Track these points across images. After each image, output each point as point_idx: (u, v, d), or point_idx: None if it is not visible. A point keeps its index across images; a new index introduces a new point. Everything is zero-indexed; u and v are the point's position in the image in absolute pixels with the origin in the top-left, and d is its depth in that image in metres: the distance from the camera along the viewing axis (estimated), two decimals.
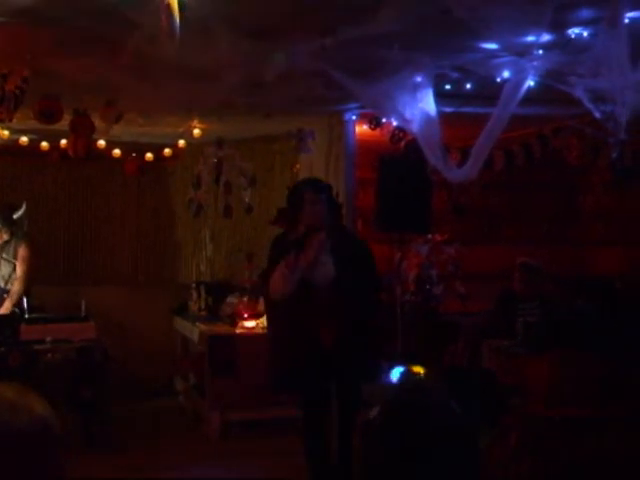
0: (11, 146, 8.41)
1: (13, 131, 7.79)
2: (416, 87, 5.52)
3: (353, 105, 6.96)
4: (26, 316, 7.63)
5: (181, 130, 8.17)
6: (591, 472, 3.98)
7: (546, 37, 4.65)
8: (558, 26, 4.45)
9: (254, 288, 8.20)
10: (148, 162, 9.32)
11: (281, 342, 5.62)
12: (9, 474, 1.76)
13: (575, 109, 5.50)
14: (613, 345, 4.42)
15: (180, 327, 9.38)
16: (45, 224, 9.55)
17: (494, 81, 5.40)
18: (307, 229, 5.40)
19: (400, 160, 7.45)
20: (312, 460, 5.63)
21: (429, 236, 8.27)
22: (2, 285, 8.00)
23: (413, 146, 6.38)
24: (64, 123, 6.44)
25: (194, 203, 8.94)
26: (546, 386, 4.43)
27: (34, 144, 8.46)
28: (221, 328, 8.24)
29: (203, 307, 9.06)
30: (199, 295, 9.18)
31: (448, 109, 6.11)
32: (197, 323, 8.57)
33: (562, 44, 4.73)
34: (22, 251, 8.03)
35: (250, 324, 7.94)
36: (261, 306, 7.74)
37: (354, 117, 7.37)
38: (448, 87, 5.99)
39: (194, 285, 9.41)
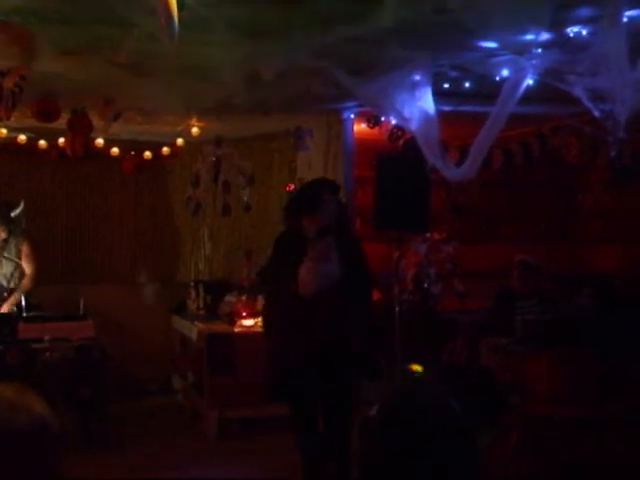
0: (9, 144, 8.41)
1: (11, 129, 7.78)
2: (415, 85, 5.52)
3: (351, 103, 6.95)
4: (24, 314, 7.63)
5: (180, 129, 8.16)
6: (591, 471, 3.98)
7: (545, 36, 4.65)
8: (557, 25, 4.45)
9: (253, 286, 8.20)
10: (146, 161, 9.31)
11: (281, 344, 5.61)
12: (8, 473, 1.76)
13: (574, 108, 5.50)
14: (612, 343, 4.42)
15: (178, 326, 9.38)
16: (43, 223, 9.54)
17: (493, 80, 5.40)
18: (321, 229, 5.45)
19: (398, 159, 7.45)
20: (307, 460, 5.65)
21: (427, 235, 8.27)
22: (5, 284, 8.00)
23: (412, 145, 6.38)
24: (62, 122, 6.44)
25: (193, 202, 8.94)
26: (546, 385, 4.43)
27: (32, 142, 8.45)
28: (219, 327, 8.23)
29: (201, 306, 9.06)
30: (197, 294, 9.17)
31: (447, 108, 6.10)
32: (195, 322, 8.56)
33: (561, 43, 4.72)
34: (26, 249, 8.04)
35: (248, 322, 7.94)
36: (259, 304, 7.74)
37: (352, 115, 7.37)
38: (447, 86, 5.99)
39: (192, 284, 9.40)
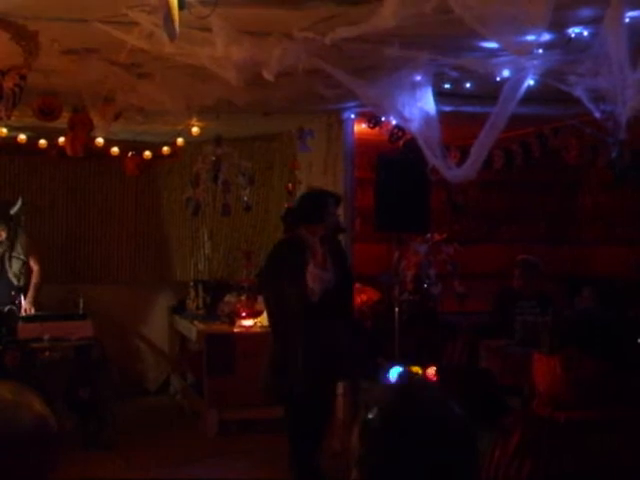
0: (9, 144, 8.40)
1: (11, 129, 7.78)
2: (415, 86, 5.51)
3: (352, 104, 6.94)
4: (23, 314, 7.63)
5: (180, 128, 8.15)
6: (593, 475, 3.97)
7: (546, 36, 4.64)
8: (558, 25, 4.44)
9: (252, 286, 8.20)
10: (146, 160, 9.30)
11: (288, 348, 5.72)
12: (11, 470, 1.76)
13: (575, 108, 5.49)
14: (616, 346, 4.40)
15: (178, 326, 9.38)
16: (43, 222, 9.54)
17: (494, 80, 5.38)
18: (323, 237, 5.69)
19: (399, 159, 7.45)
20: (301, 463, 5.75)
21: (428, 235, 8.27)
22: (15, 282, 8.02)
23: (412, 145, 6.37)
24: (62, 121, 6.43)
25: (192, 201, 8.93)
26: (550, 387, 4.41)
27: (32, 142, 8.45)
28: (219, 327, 8.24)
29: (201, 306, 9.06)
30: (197, 294, 9.18)
31: (447, 108, 6.10)
32: (195, 322, 8.56)
33: (562, 43, 4.71)
34: (29, 245, 8.07)
35: (248, 323, 7.94)
36: (259, 305, 7.74)
37: (353, 116, 7.36)
38: (447, 86, 5.98)
39: (192, 283, 9.41)
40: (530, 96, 5.29)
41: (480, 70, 5.38)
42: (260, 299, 7.50)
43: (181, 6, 3.46)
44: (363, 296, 8.05)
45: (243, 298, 8.33)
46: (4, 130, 7.77)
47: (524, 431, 4.27)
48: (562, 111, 6.39)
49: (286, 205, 7.93)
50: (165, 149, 9.21)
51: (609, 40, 4.10)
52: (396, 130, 7.01)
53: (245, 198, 8.73)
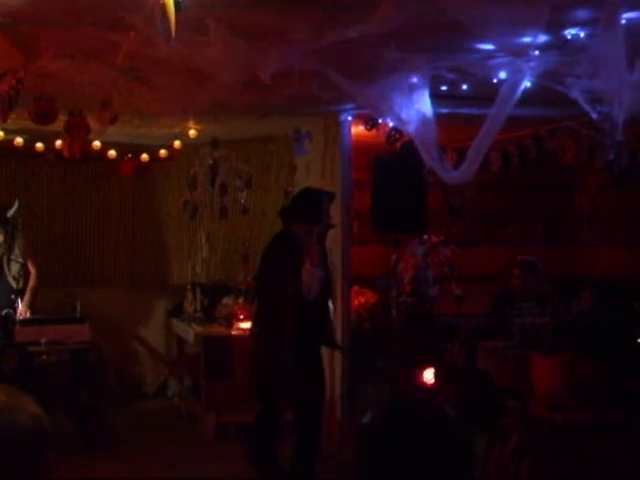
0: (6, 147, 8.39)
1: (8, 132, 7.77)
2: (412, 88, 5.51)
3: (349, 106, 6.94)
4: (21, 317, 7.62)
5: (177, 131, 8.15)
6: (590, 477, 3.97)
7: (543, 38, 4.64)
8: (555, 27, 4.44)
9: (250, 289, 8.19)
10: (144, 163, 9.29)
11: (283, 343, 5.89)
12: (8, 472, 1.76)
13: (571, 110, 5.49)
14: (621, 350, 4.41)
15: (176, 328, 9.37)
16: (40, 225, 9.53)
17: (490, 82, 5.39)
18: (319, 236, 6.03)
19: (396, 161, 7.44)
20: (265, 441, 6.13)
21: (425, 237, 8.27)
22: (14, 285, 8.01)
23: (409, 147, 6.37)
24: (59, 124, 6.42)
25: (190, 204, 8.92)
26: (549, 389, 4.41)
27: (29, 145, 8.44)
28: (216, 329, 8.23)
29: (199, 308, 9.06)
30: (195, 296, 9.17)
31: (444, 110, 6.10)
32: (192, 324, 8.56)
33: (559, 45, 4.72)
34: (27, 248, 8.06)
35: (246, 325, 7.92)
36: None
37: (350, 118, 7.35)
38: (444, 88, 5.98)
39: (190, 286, 9.40)
40: (527, 98, 5.29)
41: (477, 72, 5.39)
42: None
43: (177, 9, 3.45)
44: (361, 298, 8.05)
45: (241, 301, 8.32)
46: (1, 133, 7.77)
47: (522, 433, 4.27)
48: (559, 113, 6.39)
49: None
50: (162, 152, 9.20)
51: (606, 41, 4.10)
52: (393, 132, 7.00)
53: (242, 200, 8.72)
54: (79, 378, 7.31)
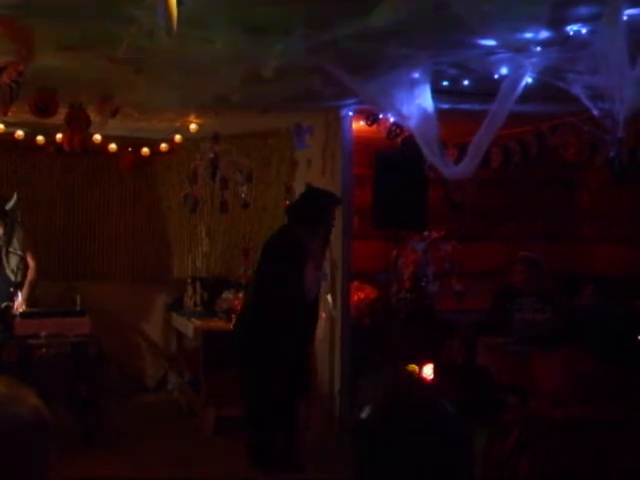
0: (7, 140, 8.38)
1: (8, 125, 7.77)
2: (413, 83, 5.50)
3: (350, 101, 6.93)
4: (21, 309, 7.62)
5: (177, 125, 8.15)
6: (590, 473, 3.97)
7: (544, 34, 4.63)
8: (556, 23, 4.44)
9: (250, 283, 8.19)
10: (144, 157, 9.29)
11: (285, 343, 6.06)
12: (8, 464, 1.77)
13: (573, 106, 5.49)
14: (621, 346, 4.41)
15: (175, 322, 9.37)
16: (41, 218, 9.52)
17: (492, 78, 5.38)
18: (323, 239, 6.30)
19: (397, 156, 7.44)
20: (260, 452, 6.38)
21: (425, 233, 8.27)
22: (12, 278, 8.00)
23: (410, 142, 6.36)
24: (60, 117, 6.42)
25: (190, 198, 8.92)
26: (550, 385, 4.41)
27: (30, 138, 8.43)
28: (216, 324, 8.23)
29: (198, 302, 9.06)
30: (195, 290, 9.17)
31: (445, 105, 6.09)
32: (192, 319, 8.56)
33: (560, 41, 4.71)
34: (26, 241, 8.06)
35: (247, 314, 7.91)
36: None
37: (351, 113, 7.35)
38: (445, 83, 5.97)
39: (190, 280, 9.40)
40: (528, 94, 5.29)
41: (478, 68, 5.38)
42: None
43: (179, 2, 3.45)
44: (361, 294, 8.05)
45: (241, 295, 8.32)
46: (1, 126, 7.76)
47: (522, 429, 4.27)
48: (560, 109, 6.38)
49: (287, 202, 7.95)
50: (163, 146, 9.20)
51: (607, 38, 4.10)
52: (394, 127, 7.00)
53: (243, 195, 8.72)
54: (79, 371, 7.32)
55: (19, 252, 8.03)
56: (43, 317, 7.45)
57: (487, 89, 5.49)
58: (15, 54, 4.95)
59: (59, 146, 7.87)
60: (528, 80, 5.17)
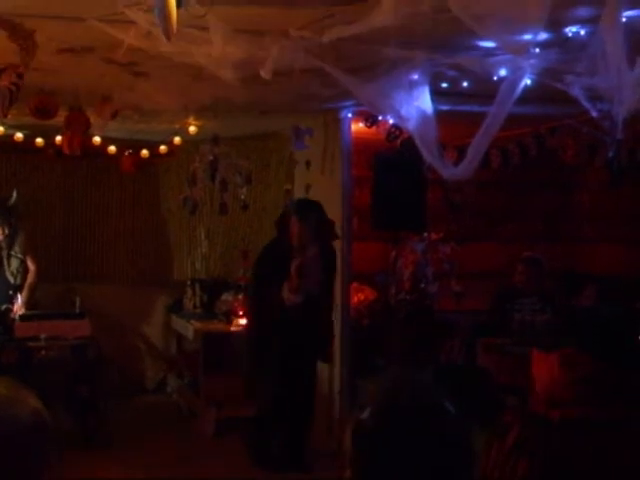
0: (6, 142, 8.38)
1: (8, 127, 7.77)
2: (412, 85, 5.50)
3: (349, 103, 6.94)
4: (20, 312, 7.62)
5: (177, 127, 8.15)
6: (589, 473, 3.97)
7: (543, 35, 4.63)
8: (555, 24, 4.44)
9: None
10: (143, 159, 9.29)
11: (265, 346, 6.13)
12: (8, 466, 1.77)
13: (572, 108, 5.49)
14: (620, 346, 4.41)
15: (175, 324, 9.38)
16: (40, 221, 9.52)
17: (491, 79, 5.38)
18: (294, 248, 6.28)
19: (396, 158, 7.45)
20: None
21: (425, 234, 8.27)
22: (12, 281, 7.99)
23: (409, 144, 6.37)
24: (60, 119, 6.42)
25: (190, 200, 8.93)
26: (548, 385, 4.41)
27: (29, 140, 8.43)
28: (216, 325, 8.24)
29: (198, 304, 9.06)
30: (194, 292, 9.18)
31: (444, 107, 6.09)
32: (192, 320, 8.56)
33: (559, 42, 4.71)
34: (27, 244, 8.05)
35: (245, 321, 7.93)
36: None
37: (350, 115, 7.35)
38: (444, 85, 5.98)
39: (189, 282, 9.40)
40: (527, 95, 5.28)
41: (477, 69, 5.38)
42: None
43: (178, 4, 3.45)
44: (360, 295, 8.06)
45: (240, 297, 8.32)
46: (1, 128, 7.77)
47: (520, 430, 4.27)
48: (559, 110, 6.39)
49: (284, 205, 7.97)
50: (162, 148, 9.20)
51: (606, 39, 4.10)
52: (393, 129, 7.00)
53: (242, 197, 8.73)
54: (79, 373, 7.32)
55: (20, 255, 8.03)
56: (43, 319, 7.46)
57: (486, 91, 5.49)
58: (15, 56, 4.95)
59: (59, 148, 7.87)
60: (527, 82, 5.17)
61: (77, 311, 7.75)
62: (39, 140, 8.52)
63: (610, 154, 6.21)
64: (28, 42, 4.77)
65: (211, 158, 8.40)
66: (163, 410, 8.92)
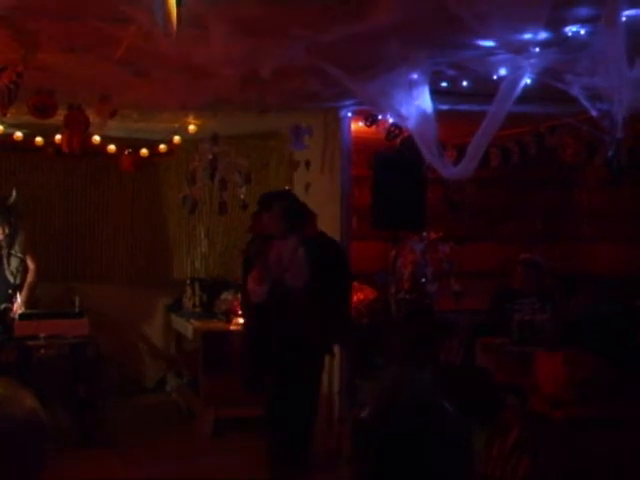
0: (5, 141, 8.38)
1: (7, 126, 7.76)
2: (412, 84, 5.50)
3: (349, 102, 6.93)
4: (19, 311, 7.61)
5: (176, 126, 8.15)
6: (590, 472, 3.97)
7: (543, 35, 4.64)
8: (555, 24, 4.44)
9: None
10: (143, 158, 9.29)
11: (254, 341, 6.04)
12: (2, 464, 1.76)
13: (571, 107, 5.49)
14: (622, 346, 4.41)
15: (174, 324, 9.37)
16: (40, 219, 9.51)
17: (490, 79, 5.38)
18: (262, 239, 6.15)
19: (395, 157, 7.44)
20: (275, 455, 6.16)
21: (424, 234, 8.26)
22: (12, 280, 7.99)
23: (409, 143, 6.36)
24: (59, 118, 6.41)
25: (189, 200, 8.92)
26: (551, 384, 4.41)
27: (28, 139, 8.43)
28: (215, 325, 8.24)
29: (197, 304, 9.06)
30: (194, 292, 9.17)
31: (444, 106, 6.09)
32: (191, 320, 8.56)
33: (559, 42, 4.71)
34: (26, 243, 8.05)
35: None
36: None
37: (350, 114, 7.35)
38: (444, 84, 5.98)
39: (189, 282, 9.40)
40: (527, 95, 5.28)
41: (477, 68, 5.38)
42: None
43: (178, 3, 3.45)
44: (360, 294, 8.05)
45: (240, 296, 8.32)
46: (0, 127, 7.76)
47: (522, 428, 4.27)
48: (559, 110, 6.38)
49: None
50: (162, 147, 9.20)
51: (606, 39, 4.10)
52: (393, 128, 7.00)
53: (242, 196, 8.71)
54: (77, 372, 7.32)
55: (19, 254, 8.02)
56: (42, 318, 7.45)
57: (486, 90, 5.49)
58: (14, 55, 4.95)
59: (58, 147, 7.86)
60: (527, 81, 5.17)
61: (76, 310, 7.74)
62: (38, 139, 8.51)
63: (610, 153, 6.20)
64: (29, 41, 4.77)
65: (210, 157, 8.39)
66: (162, 409, 8.91)
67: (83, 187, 9.74)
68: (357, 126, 7.44)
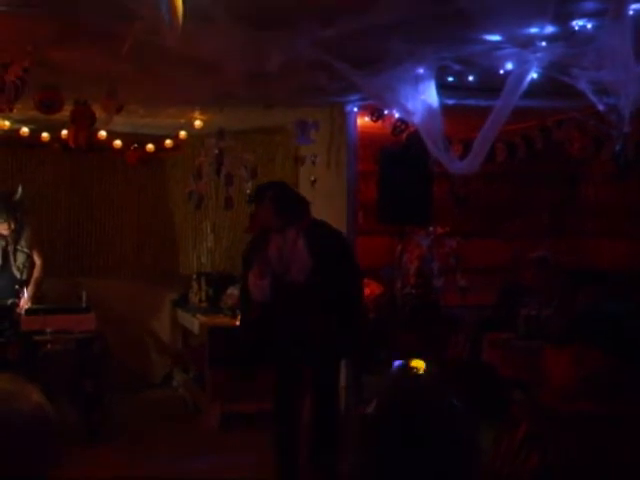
0: (12, 137, 8.38)
1: (14, 121, 7.77)
2: (418, 79, 5.49)
3: (355, 97, 6.93)
4: (26, 307, 7.62)
5: (182, 121, 8.14)
6: (600, 468, 3.97)
7: (550, 29, 4.62)
8: (562, 18, 4.43)
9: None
10: (149, 153, 9.29)
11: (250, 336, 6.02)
12: (11, 460, 1.77)
13: (578, 101, 5.47)
14: (631, 342, 4.41)
15: (181, 319, 9.38)
16: (46, 215, 9.52)
17: (497, 73, 5.37)
18: (259, 232, 5.98)
19: (401, 152, 7.43)
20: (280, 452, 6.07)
21: (430, 229, 8.25)
22: (18, 276, 7.99)
23: (415, 138, 6.36)
24: (65, 114, 6.42)
25: (195, 195, 8.92)
26: (560, 380, 4.41)
27: (35, 135, 8.43)
28: (221, 320, 8.24)
29: (204, 298, 9.06)
30: (200, 286, 9.18)
31: (450, 101, 6.08)
32: (197, 315, 8.56)
33: (566, 36, 4.70)
34: (32, 239, 8.05)
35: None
36: None
37: (356, 109, 7.35)
38: (450, 79, 5.96)
39: (195, 276, 9.40)
40: (533, 89, 5.28)
41: (483, 63, 5.37)
42: None
43: None
44: (366, 289, 8.04)
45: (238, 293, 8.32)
46: (7, 123, 7.77)
47: (531, 423, 4.27)
48: (565, 104, 6.37)
49: None
50: (168, 142, 9.20)
51: (613, 33, 4.09)
52: (399, 123, 6.99)
53: (247, 191, 8.70)
54: (84, 368, 7.33)
55: (26, 250, 8.03)
56: (48, 314, 7.46)
57: (492, 84, 5.48)
58: (20, 51, 4.95)
59: (64, 143, 7.87)
60: (533, 75, 5.16)
61: (83, 305, 7.75)
62: (45, 134, 8.52)
63: (617, 147, 6.19)
64: (35, 36, 4.77)
65: (216, 152, 8.39)
66: (168, 404, 8.92)
67: (89, 182, 9.74)
68: (363, 121, 7.43)
